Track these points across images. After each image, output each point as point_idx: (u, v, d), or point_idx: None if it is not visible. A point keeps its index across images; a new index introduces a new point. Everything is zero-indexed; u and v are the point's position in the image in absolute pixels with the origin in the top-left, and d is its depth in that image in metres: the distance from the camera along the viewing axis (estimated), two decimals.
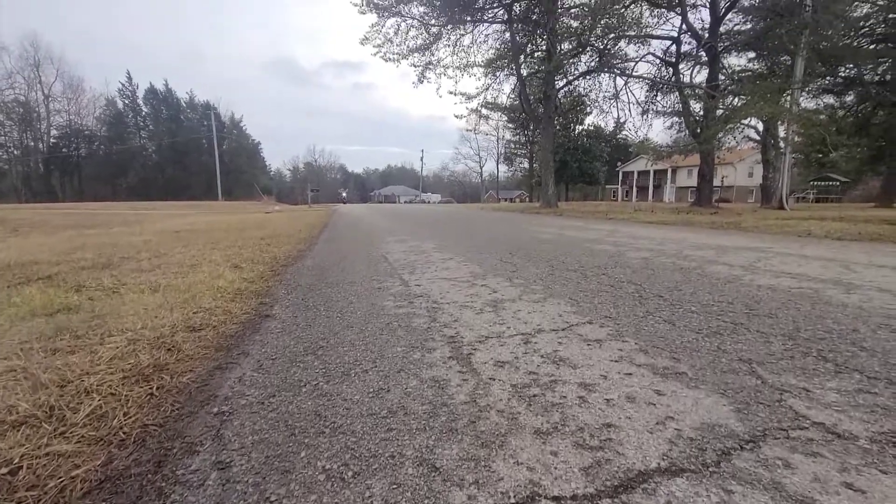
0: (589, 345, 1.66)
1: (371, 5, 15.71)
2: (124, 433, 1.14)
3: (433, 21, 16.64)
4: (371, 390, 1.34)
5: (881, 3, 22.10)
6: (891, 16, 24.89)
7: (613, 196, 66.00)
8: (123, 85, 60.46)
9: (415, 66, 17.57)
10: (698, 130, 16.81)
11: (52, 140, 54.57)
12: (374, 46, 16.90)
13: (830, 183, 50.61)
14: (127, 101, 61.32)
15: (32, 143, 53.18)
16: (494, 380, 1.38)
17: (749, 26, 17.38)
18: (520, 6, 16.70)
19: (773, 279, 2.78)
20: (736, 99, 16.33)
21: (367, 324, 2.03)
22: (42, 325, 1.98)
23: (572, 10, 15.71)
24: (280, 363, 1.59)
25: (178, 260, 4.10)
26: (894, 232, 6.25)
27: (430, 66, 17.77)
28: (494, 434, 1.07)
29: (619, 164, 64.00)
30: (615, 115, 20.17)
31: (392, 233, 6.82)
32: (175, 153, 60.57)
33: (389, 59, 17.01)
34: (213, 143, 48.25)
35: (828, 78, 24.28)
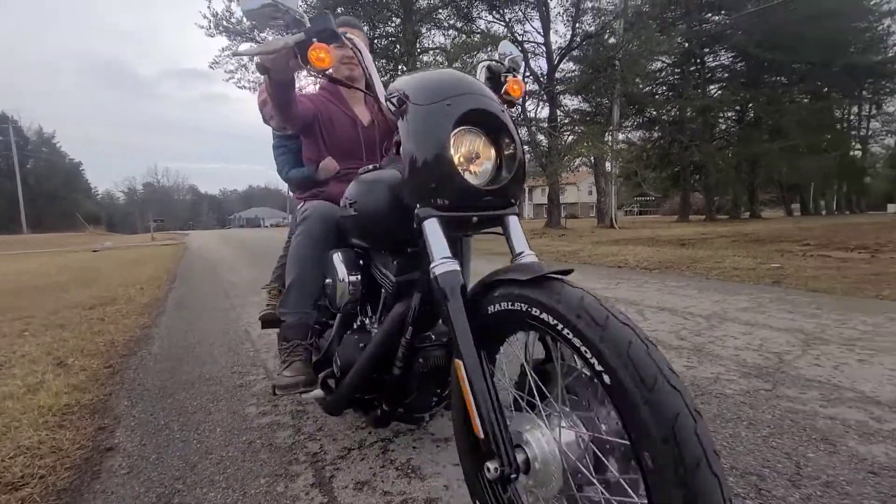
0: (438, 446, 1.92)
1: (220, 28, 14.75)
2: None
3: None
4: None
5: (668, 61, 27.92)
6: (676, 70, 31.52)
7: None
8: None
9: None
10: (544, 160, 19.21)
11: None
12: (226, 72, 15.85)
13: (649, 198, 62.00)
14: None
15: None
16: None
17: (577, 75, 20.59)
18: (380, 42, 17.29)
19: None
20: (570, 136, 19.11)
21: (228, 445, 2.02)
22: None
23: (430, 51, 16.81)
24: None
25: None
26: (680, 258, 8.00)
27: None
28: None
29: None
30: None
31: (256, 290, 6.48)
32: None
33: (244, 87, 16.10)
34: (14, 164, 39.57)
35: (638, 118, 29.76)
